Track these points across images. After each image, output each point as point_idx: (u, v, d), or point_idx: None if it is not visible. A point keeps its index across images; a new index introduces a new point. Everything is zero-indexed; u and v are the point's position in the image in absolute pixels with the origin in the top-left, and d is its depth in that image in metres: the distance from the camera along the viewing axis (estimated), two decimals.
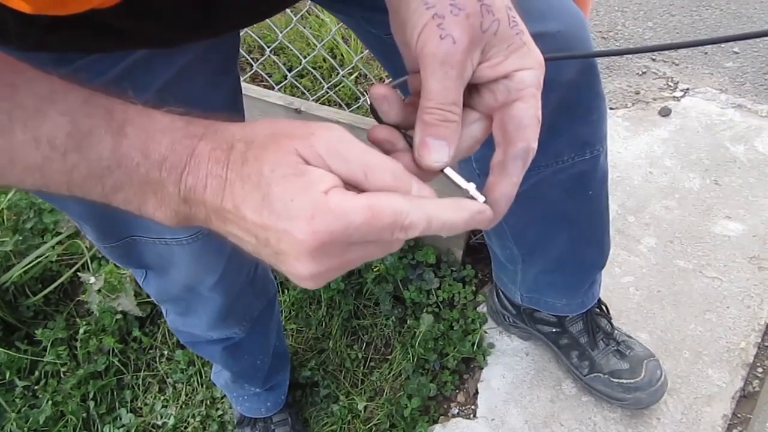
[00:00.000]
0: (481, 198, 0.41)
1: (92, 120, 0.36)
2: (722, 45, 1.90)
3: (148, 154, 0.36)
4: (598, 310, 1.23)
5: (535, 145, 0.41)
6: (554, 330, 1.25)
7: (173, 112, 0.38)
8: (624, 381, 1.17)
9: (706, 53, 1.89)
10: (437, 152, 0.39)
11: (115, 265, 1.42)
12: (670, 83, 1.81)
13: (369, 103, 0.42)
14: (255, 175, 0.35)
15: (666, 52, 1.91)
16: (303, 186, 0.34)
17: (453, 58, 0.38)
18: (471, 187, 0.41)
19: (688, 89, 1.77)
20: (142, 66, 0.56)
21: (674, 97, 1.76)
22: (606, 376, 1.19)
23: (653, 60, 1.89)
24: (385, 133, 0.41)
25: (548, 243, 1.05)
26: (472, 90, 0.41)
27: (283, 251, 0.35)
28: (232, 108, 0.73)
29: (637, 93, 1.79)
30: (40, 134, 0.35)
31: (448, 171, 0.40)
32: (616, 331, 1.23)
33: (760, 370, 1.25)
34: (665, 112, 1.71)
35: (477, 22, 0.38)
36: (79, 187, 0.37)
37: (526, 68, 0.40)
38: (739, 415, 1.20)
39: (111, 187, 0.37)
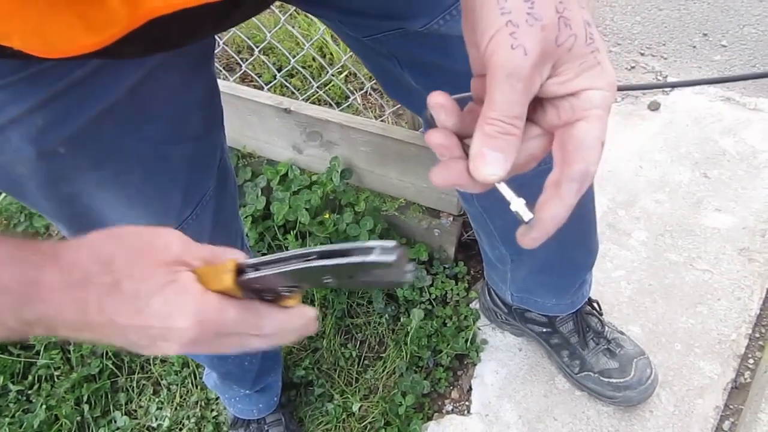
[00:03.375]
0: (529, 215, 0.40)
1: None
2: (710, 38, 1.91)
3: None
4: (588, 308, 1.23)
5: (595, 168, 0.39)
6: (545, 330, 1.25)
7: (8, 243, 0.39)
8: (614, 380, 1.18)
9: (694, 47, 1.89)
10: (494, 165, 0.38)
11: None
12: (659, 77, 1.82)
13: (427, 112, 0.41)
14: (131, 292, 0.38)
15: (655, 45, 1.91)
16: (180, 289, 0.39)
17: (521, 71, 0.36)
18: (520, 203, 0.40)
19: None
20: (109, 67, 0.55)
21: (663, 91, 1.77)
22: (596, 375, 1.20)
23: (642, 54, 1.90)
24: (441, 137, 0.40)
25: None
26: (536, 104, 0.40)
27: (168, 340, 0.39)
28: (207, 108, 0.72)
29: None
30: None
31: (500, 185, 0.40)
32: (606, 329, 1.23)
33: (751, 361, 1.26)
34: (654, 107, 1.72)
35: (552, 35, 0.36)
36: None
37: (595, 88, 0.39)
38: (731, 407, 1.21)
39: None
